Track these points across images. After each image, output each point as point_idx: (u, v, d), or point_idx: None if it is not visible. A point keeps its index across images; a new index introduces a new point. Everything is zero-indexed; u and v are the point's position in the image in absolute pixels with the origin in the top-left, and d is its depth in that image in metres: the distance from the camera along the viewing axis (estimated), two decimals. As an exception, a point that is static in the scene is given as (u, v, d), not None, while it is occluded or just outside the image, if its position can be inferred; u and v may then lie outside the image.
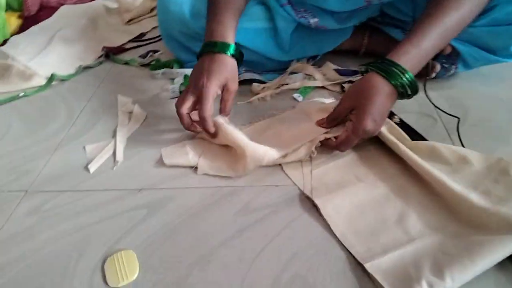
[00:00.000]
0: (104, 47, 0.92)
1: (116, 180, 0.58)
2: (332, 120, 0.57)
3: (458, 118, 0.61)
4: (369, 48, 0.81)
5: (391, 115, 0.62)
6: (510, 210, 0.42)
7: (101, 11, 1.14)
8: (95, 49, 0.93)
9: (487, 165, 0.50)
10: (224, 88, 0.59)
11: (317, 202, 0.50)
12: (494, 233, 0.41)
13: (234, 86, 0.60)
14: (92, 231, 0.50)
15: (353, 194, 0.51)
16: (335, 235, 0.47)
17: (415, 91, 0.54)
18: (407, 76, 0.52)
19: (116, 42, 0.96)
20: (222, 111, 0.60)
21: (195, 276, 0.44)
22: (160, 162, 0.60)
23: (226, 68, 0.59)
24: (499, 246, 0.40)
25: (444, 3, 0.53)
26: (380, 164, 0.56)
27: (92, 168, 0.60)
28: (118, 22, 1.10)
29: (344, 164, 0.56)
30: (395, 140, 0.55)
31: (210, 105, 0.56)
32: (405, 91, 0.53)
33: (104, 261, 0.46)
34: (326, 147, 0.57)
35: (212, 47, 0.59)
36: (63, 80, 0.83)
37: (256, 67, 0.78)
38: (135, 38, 1.00)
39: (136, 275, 0.45)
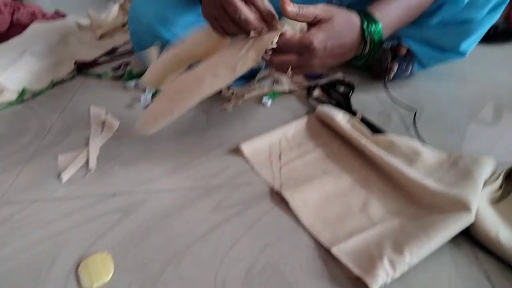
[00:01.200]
0: (76, 62, 0.93)
1: (89, 188, 0.58)
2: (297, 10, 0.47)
3: (415, 110, 0.66)
4: None
5: (354, 112, 0.66)
6: (460, 191, 0.46)
7: (73, 28, 1.15)
8: (67, 64, 0.93)
9: (438, 160, 0.54)
10: None
11: (286, 195, 0.52)
12: (447, 212, 0.45)
13: None
14: (65, 237, 0.51)
15: (320, 186, 0.54)
16: (303, 225, 0.49)
17: (370, 55, 0.54)
18: (377, 29, 0.51)
19: (88, 56, 0.97)
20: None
21: (169, 273, 0.45)
22: (134, 168, 0.61)
23: None
24: (451, 223, 0.43)
25: None
26: (345, 158, 0.59)
27: (65, 177, 0.60)
28: (91, 38, 1.11)
29: (311, 160, 0.59)
30: (358, 135, 0.58)
31: None
32: (363, 51, 0.52)
33: (78, 265, 0.47)
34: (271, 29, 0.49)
35: None
36: (34, 95, 0.83)
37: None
38: (108, 52, 1.02)
39: (110, 275, 0.45)
